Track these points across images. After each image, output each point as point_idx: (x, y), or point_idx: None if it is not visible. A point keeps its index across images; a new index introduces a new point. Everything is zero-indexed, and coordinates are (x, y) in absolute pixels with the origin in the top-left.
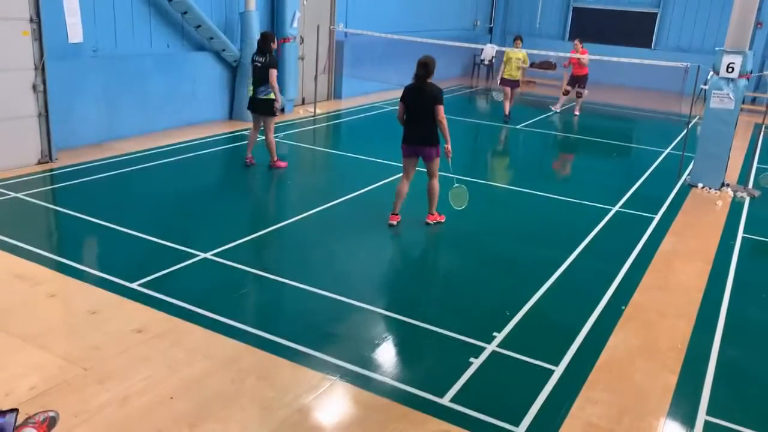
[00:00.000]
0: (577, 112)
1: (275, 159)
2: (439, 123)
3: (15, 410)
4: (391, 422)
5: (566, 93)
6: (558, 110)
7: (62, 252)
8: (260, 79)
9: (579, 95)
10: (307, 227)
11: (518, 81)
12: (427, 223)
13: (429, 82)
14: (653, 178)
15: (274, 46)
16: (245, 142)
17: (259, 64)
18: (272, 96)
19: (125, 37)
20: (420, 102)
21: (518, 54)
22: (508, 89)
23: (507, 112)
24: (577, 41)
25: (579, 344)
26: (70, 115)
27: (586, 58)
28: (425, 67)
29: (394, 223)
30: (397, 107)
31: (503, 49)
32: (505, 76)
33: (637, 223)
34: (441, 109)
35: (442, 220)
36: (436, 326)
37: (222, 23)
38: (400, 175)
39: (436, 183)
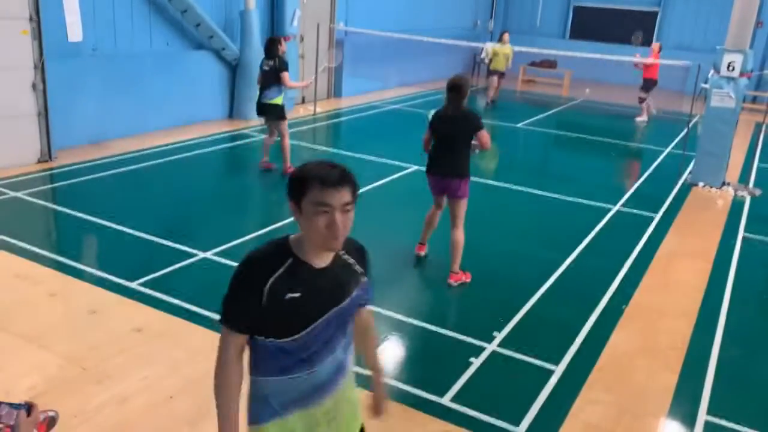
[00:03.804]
0: (643, 118)
1: (288, 165)
2: (483, 147)
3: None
4: (391, 422)
5: (642, 101)
6: (646, 119)
7: (62, 251)
8: (267, 83)
9: (641, 100)
10: None
11: (504, 72)
12: (449, 285)
13: (463, 109)
14: (654, 178)
15: (283, 48)
16: (245, 141)
17: (267, 68)
18: (278, 101)
19: (125, 35)
20: (454, 130)
21: (506, 50)
22: (495, 78)
23: (491, 99)
24: (655, 44)
25: (579, 344)
26: (69, 114)
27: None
28: (458, 90)
29: (422, 253)
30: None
31: (492, 45)
32: (493, 68)
33: (638, 222)
34: (484, 133)
35: (467, 281)
36: (436, 326)
37: (222, 22)
38: (401, 173)
39: (461, 234)
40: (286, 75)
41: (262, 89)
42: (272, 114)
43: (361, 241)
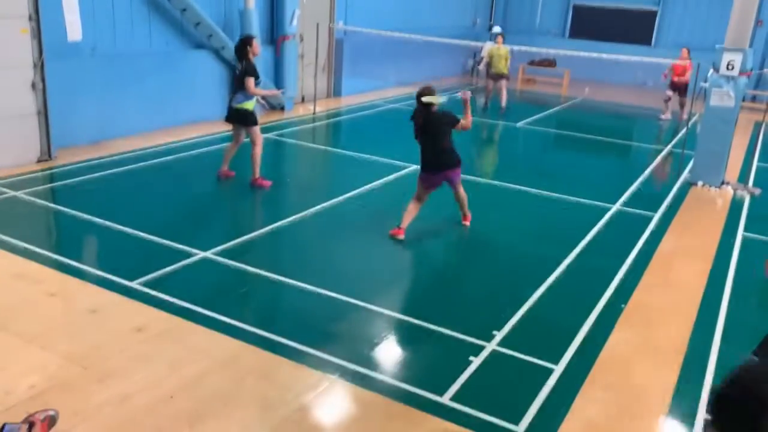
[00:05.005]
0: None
1: (256, 176)
2: (464, 129)
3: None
4: (391, 421)
5: (668, 99)
6: (669, 117)
7: (62, 251)
8: (236, 86)
9: (682, 105)
10: (307, 226)
11: (507, 75)
12: (465, 226)
13: (435, 113)
14: (653, 177)
15: (254, 51)
16: (245, 140)
17: (237, 71)
18: (247, 105)
19: (124, 35)
20: (433, 125)
21: (501, 51)
22: (491, 82)
23: (486, 104)
24: (684, 50)
25: (579, 343)
26: (69, 114)
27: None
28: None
29: (401, 237)
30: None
31: (490, 45)
32: (494, 71)
33: (637, 221)
34: (461, 122)
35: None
36: (435, 325)
37: (221, 21)
38: (401, 172)
39: (463, 190)
40: (250, 80)
41: (233, 92)
42: (241, 120)
43: (361, 240)
